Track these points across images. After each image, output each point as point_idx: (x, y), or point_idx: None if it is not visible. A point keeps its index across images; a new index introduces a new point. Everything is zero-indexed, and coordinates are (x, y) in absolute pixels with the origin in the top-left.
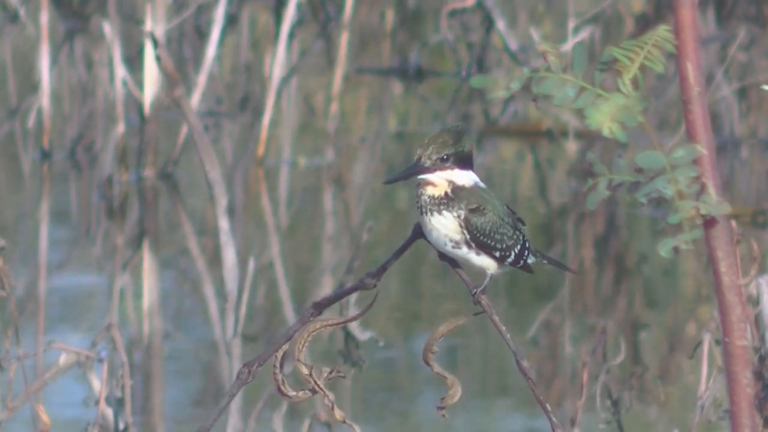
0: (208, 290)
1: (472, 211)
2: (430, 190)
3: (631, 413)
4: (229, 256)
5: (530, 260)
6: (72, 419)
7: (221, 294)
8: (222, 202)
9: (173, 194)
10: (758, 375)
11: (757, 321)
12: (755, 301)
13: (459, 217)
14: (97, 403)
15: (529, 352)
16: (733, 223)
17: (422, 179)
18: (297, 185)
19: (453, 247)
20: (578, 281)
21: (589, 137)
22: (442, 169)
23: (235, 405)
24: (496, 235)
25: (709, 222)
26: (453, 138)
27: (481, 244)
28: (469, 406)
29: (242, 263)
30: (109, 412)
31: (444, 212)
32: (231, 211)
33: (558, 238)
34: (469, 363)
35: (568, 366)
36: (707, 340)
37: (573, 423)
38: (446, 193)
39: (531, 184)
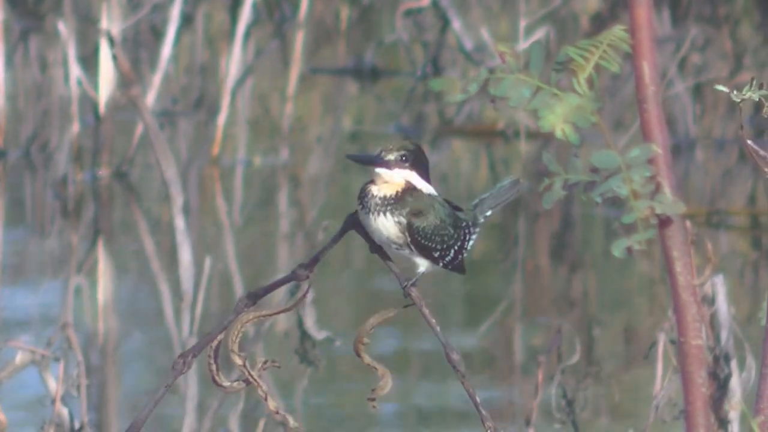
0: (164, 289)
1: (413, 215)
2: (381, 189)
3: (586, 413)
4: (185, 255)
5: (474, 235)
6: (27, 418)
7: (177, 293)
8: (178, 201)
9: (128, 194)
10: (713, 375)
11: (713, 321)
12: (711, 301)
13: (400, 223)
14: (52, 401)
15: (482, 351)
16: (688, 223)
17: (380, 173)
18: (252, 184)
19: (396, 249)
20: (533, 280)
21: (545, 137)
22: (401, 167)
23: (192, 404)
24: (436, 237)
25: (663, 222)
26: (414, 146)
27: (421, 247)
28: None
29: (198, 262)
30: (65, 411)
31: (387, 214)
32: (186, 211)
33: (513, 238)
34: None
35: (523, 366)
36: (662, 339)
37: (528, 423)
38: (397, 193)
39: (486, 184)
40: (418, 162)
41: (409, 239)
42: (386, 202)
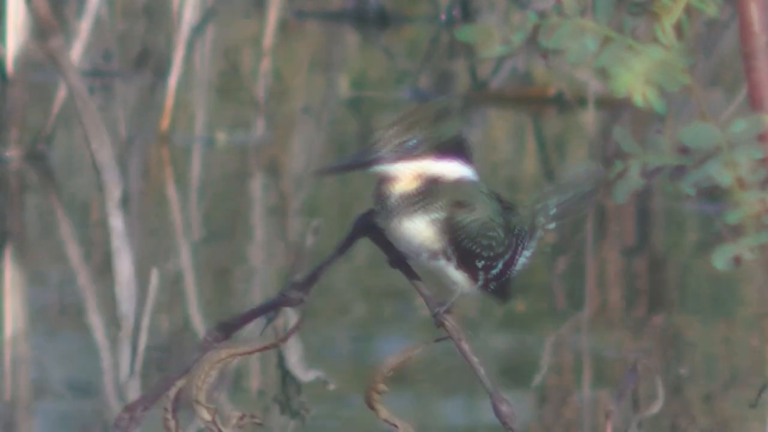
0: (95, 313)
1: (454, 207)
2: (398, 187)
3: None
4: (124, 266)
5: (528, 252)
6: None
7: (113, 318)
8: (114, 192)
9: (47, 182)
10: None
11: None
12: None
13: (437, 220)
14: None
15: (531, 392)
16: None
17: (380, 173)
18: (215, 170)
19: (428, 258)
20: (601, 299)
21: (615, 105)
22: (407, 158)
23: None
24: (483, 240)
25: None
26: (430, 117)
27: (463, 251)
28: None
29: (142, 276)
30: None
31: (416, 216)
32: (126, 206)
33: (573, 241)
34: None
35: (587, 415)
36: None
37: None
38: (418, 188)
39: (534, 168)
40: (437, 141)
41: (447, 239)
42: (411, 200)
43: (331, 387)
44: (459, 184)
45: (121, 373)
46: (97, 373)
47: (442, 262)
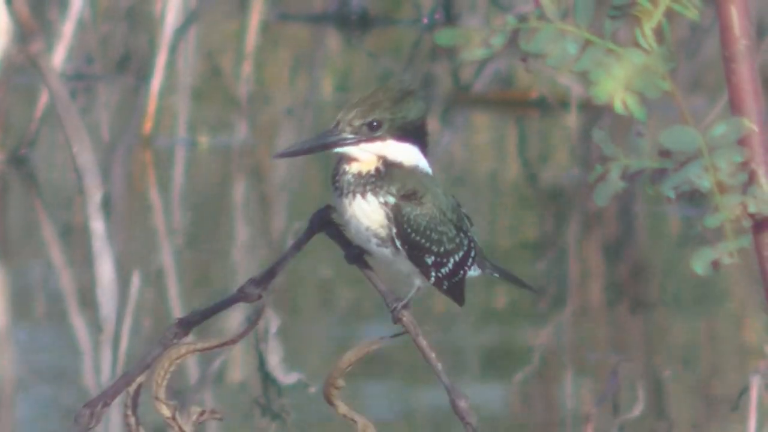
0: (76, 316)
1: (405, 197)
2: (355, 166)
3: None
4: (106, 269)
5: (475, 272)
6: None
7: (94, 321)
8: (95, 195)
9: (29, 185)
10: None
11: None
12: None
13: (386, 204)
14: None
15: (515, 400)
16: None
17: (341, 154)
18: (197, 173)
19: (378, 245)
20: (584, 304)
21: (596, 108)
22: (369, 140)
23: None
24: (432, 234)
25: (760, 224)
26: (391, 98)
27: (411, 244)
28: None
29: (123, 280)
30: None
31: (369, 196)
32: (108, 209)
33: (554, 245)
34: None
35: (569, 419)
36: (756, 384)
37: None
38: (377, 169)
39: (516, 171)
40: (399, 124)
41: (394, 230)
42: (367, 179)
43: (312, 389)
44: (411, 169)
45: (101, 374)
46: (78, 374)
47: (389, 251)
